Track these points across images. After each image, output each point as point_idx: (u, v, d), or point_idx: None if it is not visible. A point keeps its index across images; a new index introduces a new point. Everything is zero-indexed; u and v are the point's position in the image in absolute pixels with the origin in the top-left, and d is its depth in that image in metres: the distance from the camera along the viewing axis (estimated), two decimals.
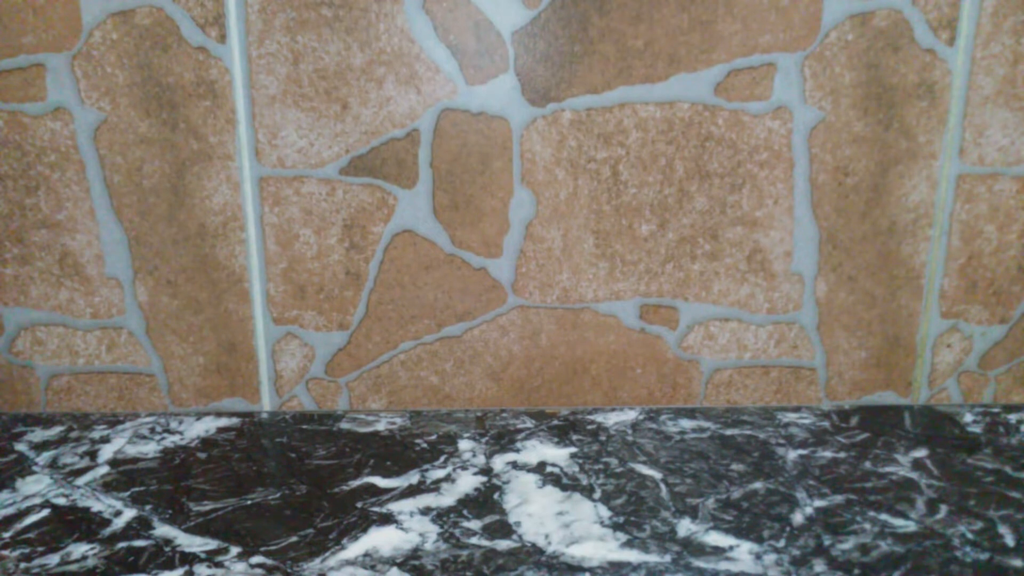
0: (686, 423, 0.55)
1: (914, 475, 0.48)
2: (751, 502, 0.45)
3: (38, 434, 0.54)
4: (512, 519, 0.43)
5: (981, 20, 0.52)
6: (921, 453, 0.50)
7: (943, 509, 0.44)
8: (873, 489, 0.46)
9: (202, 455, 0.51)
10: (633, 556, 0.40)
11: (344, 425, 0.55)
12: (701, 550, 0.40)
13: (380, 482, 0.47)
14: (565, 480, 0.47)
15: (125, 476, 0.48)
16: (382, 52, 0.52)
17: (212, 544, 0.41)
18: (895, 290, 0.56)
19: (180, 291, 0.56)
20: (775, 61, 0.52)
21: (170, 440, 0.53)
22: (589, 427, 0.55)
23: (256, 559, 0.40)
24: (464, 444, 0.52)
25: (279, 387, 0.58)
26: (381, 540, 0.41)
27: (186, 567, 0.39)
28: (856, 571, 0.38)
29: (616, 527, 0.42)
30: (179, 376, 0.57)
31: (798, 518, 0.43)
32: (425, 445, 0.52)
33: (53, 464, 0.50)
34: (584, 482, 0.47)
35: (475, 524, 0.43)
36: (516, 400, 0.58)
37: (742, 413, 0.57)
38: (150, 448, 0.52)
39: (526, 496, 0.45)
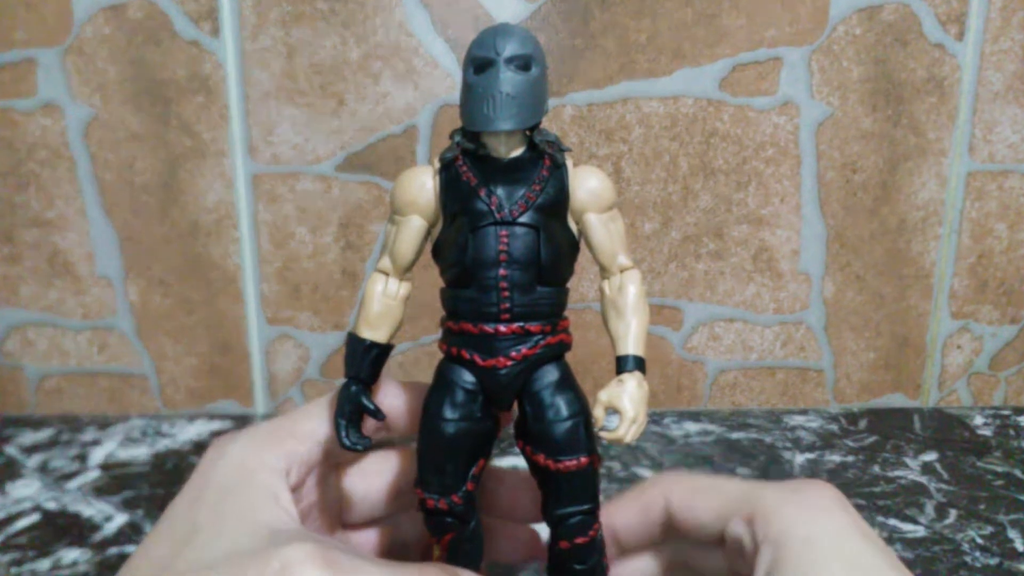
0: (691, 426, 0.55)
1: (923, 479, 0.47)
2: None
3: (28, 437, 0.53)
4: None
5: (990, 14, 0.51)
6: (931, 457, 0.50)
7: (952, 514, 0.43)
8: (882, 494, 0.45)
9: (194, 459, 0.50)
10: None
11: None
12: None
13: None
14: None
15: (116, 480, 0.48)
16: (379, 46, 0.51)
17: None
18: (904, 290, 0.56)
19: (172, 291, 0.55)
20: (781, 55, 0.51)
21: (162, 443, 0.53)
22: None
23: None
24: None
25: (273, 389, 0.57)
26: None
27: None
28: None
29: None
30: (171, 377, 0.56)
31: None
32: None
33: (43, 468, 0.49)
34: None
35: None
36: None
37: (748, 416, 0.56)
38: (142, 451, 0.51)
39: None
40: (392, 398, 0.30)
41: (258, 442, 0.28)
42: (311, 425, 0.29)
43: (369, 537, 0.32)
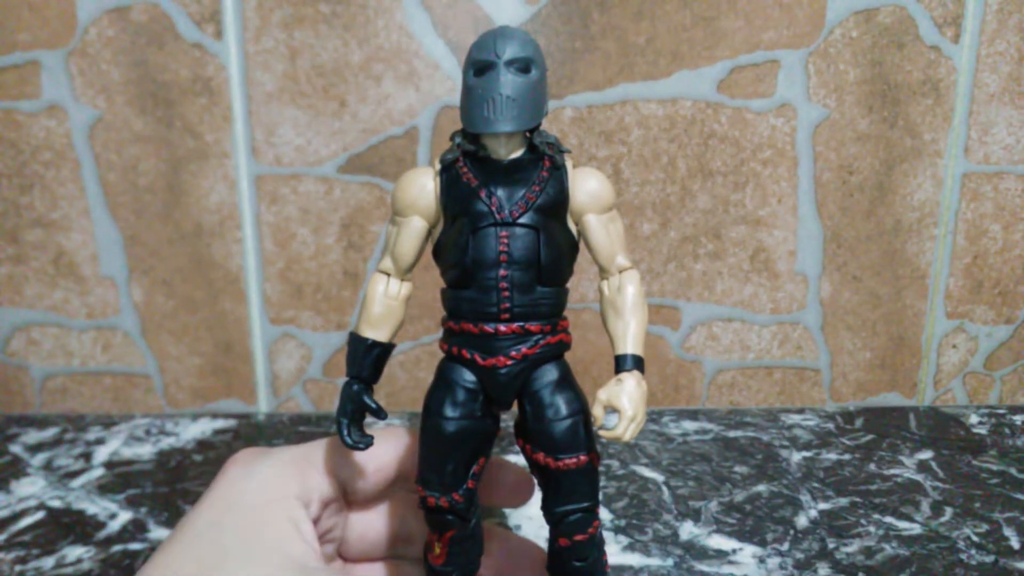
0: (688, 425, 0.55)
1: (919, 477, 0.47)
2: (754, 505, 0.44)
3: (33, 435, 0.54)
4: (512, 522, 0.42)
5: (986, 17, 0.51)
6: (926, 455, 0.50)
7: (948, 511, 0.43)
8: (878, 491, 0.46)
9: (198, 457, 0.51)
10: (635, 560, 0.39)
11: None
12: (704, 554, 0.40)
13: None
14: None
15: (120, 478, 0.48)
16: (380, 48, 0.51)
17: None
18: (900, 290, 0.56)
19: (176, 291, 0.55)
20: (779, 58, 0.52)
21: (166, 442, 0.53)
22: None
23: None
24: None
25: (276, 388, 0.57)
26: None
27: None
28: (860, 574, 0.38)
29: (618, 530, 0.42)
30: (175, 377, 0.57)
31: (802, 521, 0.43)
32: None
33: (48, 466, 0.49)
34: None
35: None
36: None
37: (745, 415, 0.56)
38: (146, 450, 0.52)
39: None
40: (407, 450, 0.30)
41: (284, 471, 0.28)
42: (334, 460, 0.29)
43: (367, 571, 0.32)
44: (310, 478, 0.28)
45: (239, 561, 0.24)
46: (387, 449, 0.30)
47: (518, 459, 0.30)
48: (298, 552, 0.25)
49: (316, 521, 0.29)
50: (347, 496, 0.30)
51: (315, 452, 0.29)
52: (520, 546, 0.32)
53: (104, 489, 0.47)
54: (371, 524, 0.31)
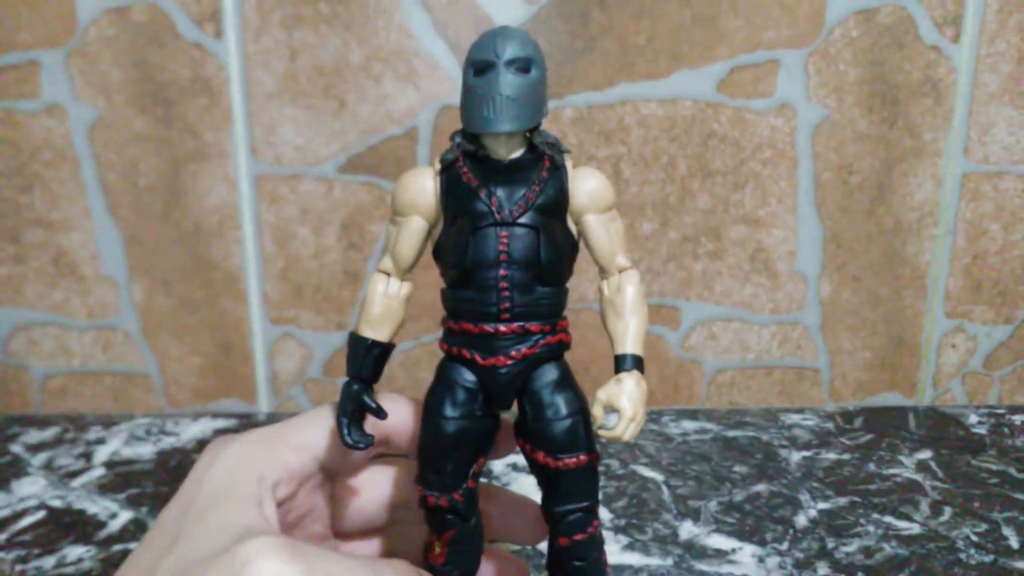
0: (688, 424, 0.55)
1: (918, 477, 0.47)
2: (754, 504, 0.44)
3: (33, 435, 0.54)
4: None
5: (986, 17, 0.52)
6: (925, 455, 0.50)
7: (947, 511, 0.43)
8: (877, 491, 0.46)
9: (198, 456, 0.51)
10: (635, 559, 0.39)
11: None
12: (703, 553, 0.40)
13: None
14: None
15: (121, 478, 0.48)
16: (380, 48, 0.51)
17: None
18: (900, 290, 0.56)
19: (176, 291, 0.55)
20: (779, 58, 0.52)
21: (166, 442, 0.53)
22: None
23: None
24: None
25: (276, 388, 0.57)
26: None
27: None
28: (860, 574, 0.38)
29: (618, 530, 0.42)
30: (175, 377, 0.57)
31: (801, 520, 0.43)
32: None
33: (48, 466, 0.49)
34: None
35: None
36: None
37: (745, 414, 0.56)
38: (146, 450, 0.52)
39: None
40: (397, 415, 0.30)
41: (250, 450, 0.27)
42: (308, 434, 0.29)
43: (364, 548, 0.32)
44: (279, 454, 0.28)
45: (189, 540, 0.24)
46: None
47: (517, 459, 0.30)
48: (249, 521, 0.25)
49: (291, 498, 0.28)
50: (329, 469, 0.30)
51: (286, 430, 0.29)
52: (515, 502, 0.32)
53: (104, 489, 0.47)
54: (368, 495, 0.31)
